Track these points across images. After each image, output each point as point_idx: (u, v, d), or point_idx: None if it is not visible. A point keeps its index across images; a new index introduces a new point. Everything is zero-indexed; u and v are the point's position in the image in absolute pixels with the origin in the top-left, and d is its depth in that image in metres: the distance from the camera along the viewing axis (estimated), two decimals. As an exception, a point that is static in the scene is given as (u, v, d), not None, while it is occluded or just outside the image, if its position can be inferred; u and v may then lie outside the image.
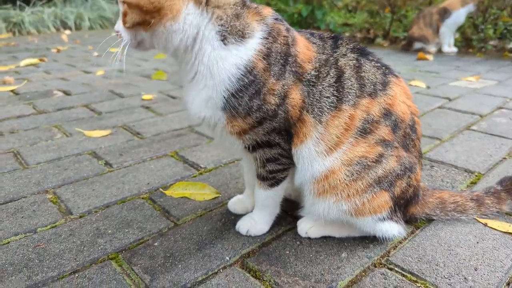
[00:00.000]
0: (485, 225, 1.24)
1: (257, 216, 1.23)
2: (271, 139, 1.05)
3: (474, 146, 1.87)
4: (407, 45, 4.67)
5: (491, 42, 4.78)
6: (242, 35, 0.96)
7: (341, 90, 1.03)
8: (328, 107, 1.02)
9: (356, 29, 5.84)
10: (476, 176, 1.59)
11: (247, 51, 0.96)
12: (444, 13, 4.31)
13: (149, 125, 2.21)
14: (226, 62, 0.96)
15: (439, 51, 4.60)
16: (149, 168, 1.69)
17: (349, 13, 5.89)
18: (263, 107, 0.99)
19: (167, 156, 1.81)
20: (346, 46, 1.10)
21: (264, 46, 0.97)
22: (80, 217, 1.33)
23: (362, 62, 1.08)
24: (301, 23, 6.15)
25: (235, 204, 1.37)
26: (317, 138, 1.03)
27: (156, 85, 3.18)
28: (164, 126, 2.18)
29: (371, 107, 1.04)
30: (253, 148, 1.08)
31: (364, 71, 1.07)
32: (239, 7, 0.98)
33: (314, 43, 1.08)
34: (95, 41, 6.02)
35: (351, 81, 1.04)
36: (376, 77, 1.07)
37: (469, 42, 4.84)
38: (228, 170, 1.66)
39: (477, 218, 1.27)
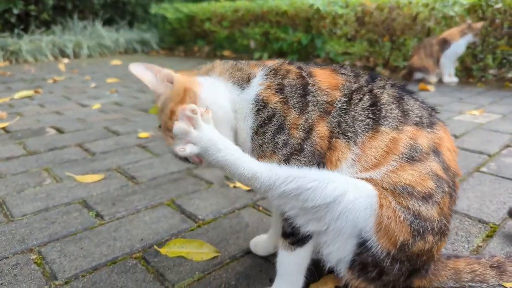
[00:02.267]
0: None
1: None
2: None
3: (486, 191, 1.78)
4: (408, 75, 4.65)
5: (491, 71, 4.77)
6: (248, 79, 1.06)
7: (377, 112, 0.97)
8: (363, 129, 0.96)
9: (356, 57, 5.85)
10: (491, 227, 1.49)
11: (254, 88, 1.04)
12: (444, 44, 4.30)
13: (145, 167, 2.12)
14: (246, 102, 1.03)
15: (440, 81, 4.58)
16: (143, 220, 1.58)
17: (349, 42, 5.91)
18: (290, 142, 0.97)
19: (163, 205, 1.70)
20: (385, 81, 1.05)
21: (272, 81, 1.02)
22: (66, 283, 1.22)
23: (405, 97, 1.02)
24: (300, 51, 6.18)
25: (256, 245, 1.33)
26: (353, 159, 0.95)
27: (154, 120, 3.10)
28: (160, 169, 2.09)
29: (419, 136, 0.96)
30: None
31: (407, 104, 1.00)
32: (239, 65, 1.11)
33: (342, 73, 1.05)
34: (93, 70, 6.00)
35: (390, 106, 0.98)
36: (422, 113, 1.00)
37: (469, 72, 4.82)
38: (228, 223, 1.56)
39: (504, 284, 1.16)
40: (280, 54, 6.50)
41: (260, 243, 1.34)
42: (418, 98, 1.06)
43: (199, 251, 1.37)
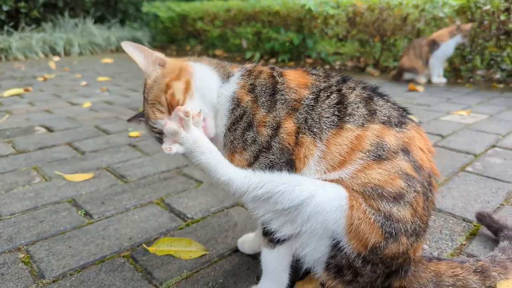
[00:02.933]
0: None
1: (263, 286, 1.10)
2: None
3: (471, 190, 1.81)
4: (398, 75, 4.69)
5: (479, 72, 4.84)
6: (228, 76, 1.13)
7: (343, 110, 0.99)
8: (328, 126, 0.98)
9: (347, 57, 5.89)
10: (475, 226, 1.52)
11: (232, 85, 1.10)
12: (433, 45, 4.35)
13: (134, 166, 2.12)
14: (224, 98, 1.08)
15: (429, 81, 4.63)
16: (132, 219, 1.59)
17: (340, 42, 5.94)
18: (258, 139, 1.01)
19: (152, 204, 1.71)
20: (356, 83, 1.07)
21: (246, 82, 1.08)
22: (53, 281, 1.22)
23: (375, 98, 1.03)
24: (292, 51, 6.20)
25: (243, 243, 1.37)
26: (319, 156, 0.97)
27: (144, 119, 3.09)
28: (150, 168, 2.09)
29: (386, 134, 0.96)
30: None
31: (376, 104, 1.01)
32: (223, 63, 1.18)
33: (313, 74, 1.10)
34: (84, 68, 5.96)
35: (357, 105, 1.00)
36: (391, 113, 1.01)
37: (457, 73, 4.89)
38: (217, 221, 1.57)
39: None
40: (272, 53, 6.52)
41: (247, 242, 1.36)
42: (389, 100, 1.07)
43: (188, 250, 1.38)
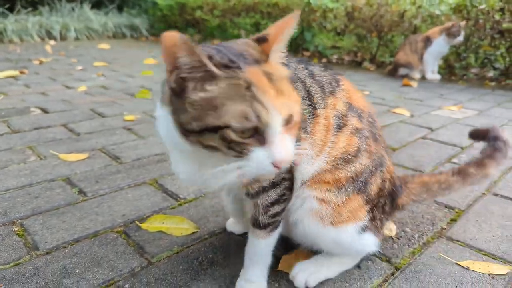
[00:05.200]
0: (467, 268, 1.22)
1: (252, 274, 1.10)
2: (277, 178, 0.99)
3: (456, 181, 1.87)
4: (393, 70, 4.74)
5: (473, 70, 4.90)
6: None
7: (312, 97, 1.03)
8: (308, 117, 1.01)
9: (344, 51, 5.92)
10: (457, 212, 1.58)
11: None
12: (427, 41, 4.42)
13: (129, 148, 2.15)
14: None
15: (423, 77, 4.69)
16: (125, 197, 1.62)
17: (338, 36, 5.97)
18: None
19: (145, 184, 1.75)
20: (293, 61, 1.09)
21: None
22: (47, 253, 1.26)
23: (311, 68, 1.08)
24: (290, 44, 6.17)
25: (231, 224, 1.42)
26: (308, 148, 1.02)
27: (140, 104, 3.12)
28: (145, 151, 2.12)
29: (336, 103, 1.05)
30: (257, 193, 1.00)
31: (317, 75, 1.07)
32: None
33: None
34: (80, 53, 5.94)
35: (314, 87, 1.04)
36: (328, 77, 1.08)
37: (452, 70, 4.95)
38: (209, 202, 1.61)
39: (458, 262, 1.24)
40: (270, 45, 6.51)
41: (233, 225, 1.40)
42: (313, 64, 1.11)
43: (179, 227, 1.42)
